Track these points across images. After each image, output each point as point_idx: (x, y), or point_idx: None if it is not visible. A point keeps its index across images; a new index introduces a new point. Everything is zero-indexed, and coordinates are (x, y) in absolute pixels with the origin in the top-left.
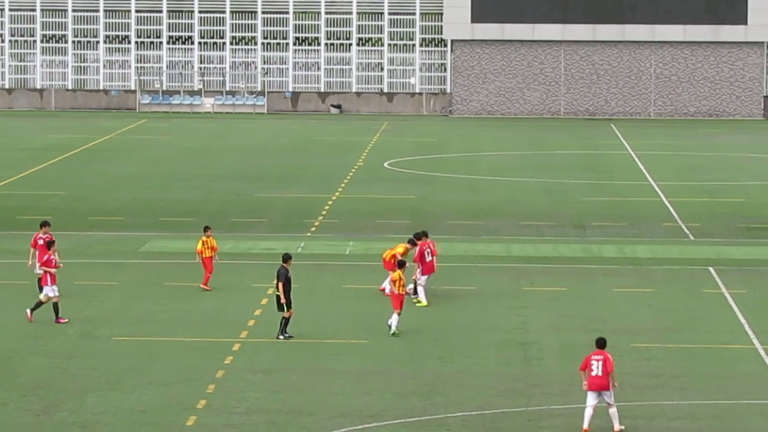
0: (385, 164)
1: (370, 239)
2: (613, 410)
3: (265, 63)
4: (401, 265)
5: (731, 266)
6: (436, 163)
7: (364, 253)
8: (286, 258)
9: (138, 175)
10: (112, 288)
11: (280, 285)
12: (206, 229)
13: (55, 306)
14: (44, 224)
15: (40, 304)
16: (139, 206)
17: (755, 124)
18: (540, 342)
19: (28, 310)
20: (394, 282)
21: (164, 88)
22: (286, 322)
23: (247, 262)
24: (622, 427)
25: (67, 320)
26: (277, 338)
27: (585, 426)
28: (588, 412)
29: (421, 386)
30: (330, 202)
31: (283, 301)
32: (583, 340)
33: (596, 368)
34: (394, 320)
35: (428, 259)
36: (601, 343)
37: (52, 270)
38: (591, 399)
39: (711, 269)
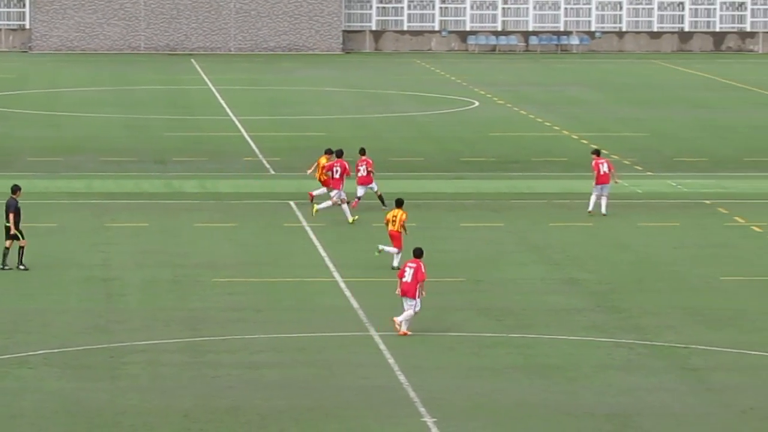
0: None
1: None
2: (409, 313)
3: None
4: (399, 203)
5: (307, 200)
6: (15, 100)
7: None
8: (16, 189)
9: None
10: None
11: (12, 216)
12: None
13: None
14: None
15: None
16: None
17: (334, 58)
18: (123, 278)
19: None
20: (388, 221)
21: None
22: (22, 251)
23: None
24: (407, 333)
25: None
26: (18, 268)
27: (397, 318)
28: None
29: (2, 324)
30: None
31: (13, 232)
32: (165, 275)
33: (407, 275)
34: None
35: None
36: (417, 253)
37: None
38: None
39: (292, 203)
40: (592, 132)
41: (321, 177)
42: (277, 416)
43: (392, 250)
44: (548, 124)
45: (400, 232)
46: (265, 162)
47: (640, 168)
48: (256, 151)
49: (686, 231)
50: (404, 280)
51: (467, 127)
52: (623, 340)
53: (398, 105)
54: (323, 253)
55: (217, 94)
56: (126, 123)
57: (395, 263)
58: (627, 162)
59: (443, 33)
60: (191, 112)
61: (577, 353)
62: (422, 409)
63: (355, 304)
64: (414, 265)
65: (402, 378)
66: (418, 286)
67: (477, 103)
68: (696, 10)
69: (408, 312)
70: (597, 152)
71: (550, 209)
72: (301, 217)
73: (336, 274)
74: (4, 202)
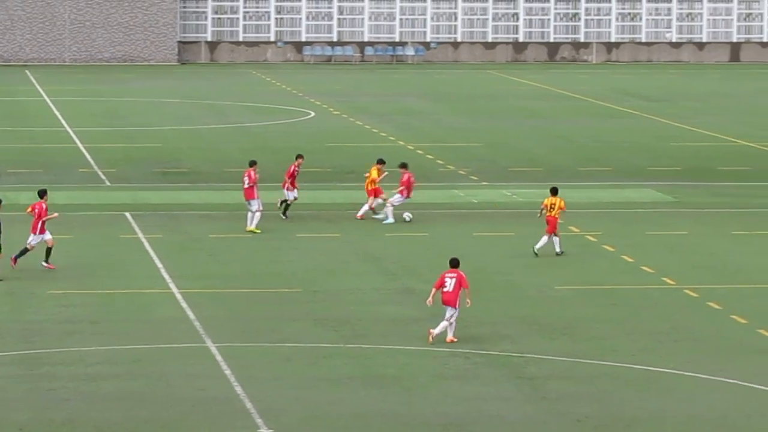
0: None
1: None
2: (444, 324)
3: None
4: (554, 191)
5: (147, 211)
6: None
7: None
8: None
9: None
10: None
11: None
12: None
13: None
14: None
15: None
16: None
17: (170, 68)
18: None
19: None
20: (545, 207)
21: None
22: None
23: None
24: (455, 339)
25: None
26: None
27: (449, 337)
28: (443, 324)
29: None
30: None
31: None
32: None
33: (449, 285)
34: (555, 243)
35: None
36: (455, 263)
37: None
38: (447, 313)
39: (128, 214)
40: (428, 142)
41: (368, 187)
42: (114, 428)
43: (544, 239)
44: (384, 134)
45: (557, 218)
46: (100, 173)
47: (475, 178)
48: (92, 162)
49: (521, 240)
50: (446, 289)
51: (303, 138)
52: (459, 350)
53: (234, 116)
54: (159, 264)
55: (51, 106)
56: None
57: (557, 248)
58: (462, 172)
59: (279, 44)
60: (26, 123)
61: (413, 363)
62: (259, 420)
63: (191, 315)
64: (454, 275)
65: (239, 389)
66: (460, 294)
67: (313, 114)
68: (530, 20)
69: (443, 323)
70: (404, 165)
71: None
72: (137, 228)
73: (172, 285)
74: None
